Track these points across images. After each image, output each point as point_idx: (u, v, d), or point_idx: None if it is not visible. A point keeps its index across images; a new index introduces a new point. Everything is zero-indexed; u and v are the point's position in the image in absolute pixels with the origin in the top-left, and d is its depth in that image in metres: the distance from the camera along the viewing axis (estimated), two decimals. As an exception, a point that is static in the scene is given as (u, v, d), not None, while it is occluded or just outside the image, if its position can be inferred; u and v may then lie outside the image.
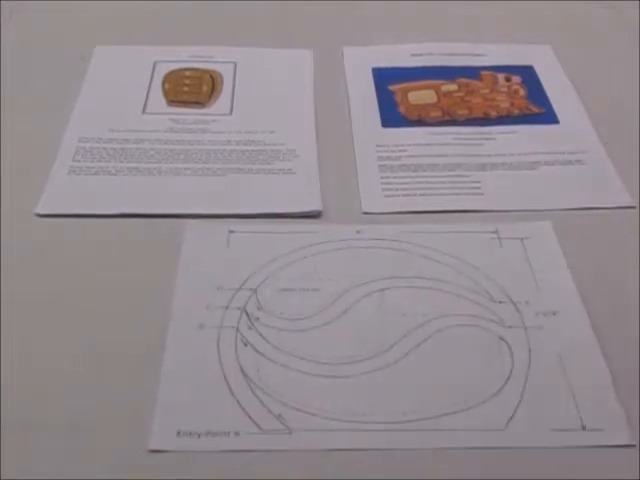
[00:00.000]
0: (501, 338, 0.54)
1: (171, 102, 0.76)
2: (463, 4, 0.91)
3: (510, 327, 0.55)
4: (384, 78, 0.80)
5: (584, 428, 0.49)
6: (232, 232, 0.62)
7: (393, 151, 0.71)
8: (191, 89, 0.78)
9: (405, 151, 0.71)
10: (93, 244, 0.61)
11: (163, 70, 0.80)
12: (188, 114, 0.74)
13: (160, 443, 0.48)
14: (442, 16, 0.89)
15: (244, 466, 0.47)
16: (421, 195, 0.66)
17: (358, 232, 0.62)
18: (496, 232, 0.62)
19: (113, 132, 0.71)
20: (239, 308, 0.56)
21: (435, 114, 0.75)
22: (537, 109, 0.76)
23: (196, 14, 0.88)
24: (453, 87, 0.79)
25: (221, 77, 0.79)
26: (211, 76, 0.79)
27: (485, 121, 0.74)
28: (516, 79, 0.80)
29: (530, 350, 0.54)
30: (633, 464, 0.47)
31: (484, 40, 0.85)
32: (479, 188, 0.67)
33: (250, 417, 0.49)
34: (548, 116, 0.75)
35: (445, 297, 0.57)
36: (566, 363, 0.53)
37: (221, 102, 0.76)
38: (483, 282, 0.58)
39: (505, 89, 0.79)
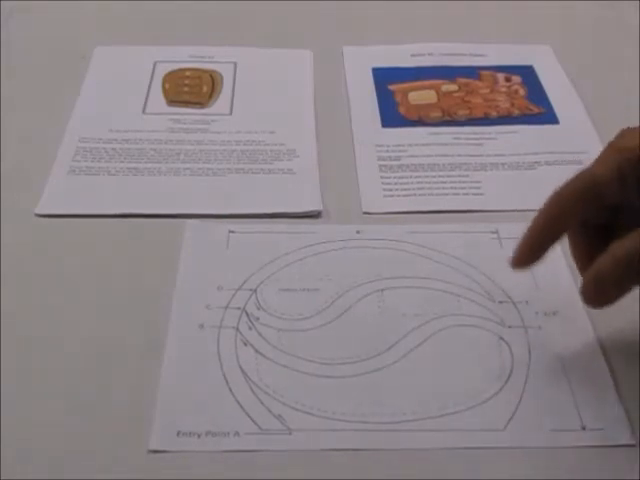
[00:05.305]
0: (501, 338, 0.54)
1: (171, 102, 0.76)
2: (463, 4, 0.91)
3: (510, 327, 0.55)
4: (384, 78, 0.80)
5: (584, 428, 0.49)
6: (232, 232, 0.62)
7: (393, 151, 0.71)
8: (191, 89, 0.78)
9: (405, 151, 0.71)
10: (93, 244, 0.61)
11: (163, 70, 0.80)
12: (188, 114, 0.74)
13: (160, 443, 0.47)
14: (442, 16, 0.89)
15: (244, 466, 0.47)
16: (421, 195, 0.66)
17: (358, 232, 0.62)
18: (496, 232, 0.62)
19: (113, 132, 0.71)
20: (239, 308, 0.56)
21: (435, 114, 0.75)
22: (537, 109, 0.76)
23: (196, 14, 0.88)
24: (453, 87, 0.79)
25: (221, 77, 0.79)
26: (211, 76, 0.79)
27: (485, 121, 0.74)
28: (516, 79, 0.80)
29: (530, 350, 0.54)
30: (633, 464, 0.47)
31: (484, 40, 0.85)
32: (479, 188, 0.67)
33: (250, 417, 0.49)
34: (548, 116, 0.75)
35: (445, 297, 0.57)
36: (566, 363, 0.53)
37: (221, 102, 0.76)
38: (483, 282, 0.58)
39: (505, 89, 0.79)
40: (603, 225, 0.51)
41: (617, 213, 0.50)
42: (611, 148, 0.49)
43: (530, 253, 0.50)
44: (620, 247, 0.47)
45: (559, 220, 0.49)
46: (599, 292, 0.48)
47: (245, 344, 0.53)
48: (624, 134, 0.50)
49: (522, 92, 0.78)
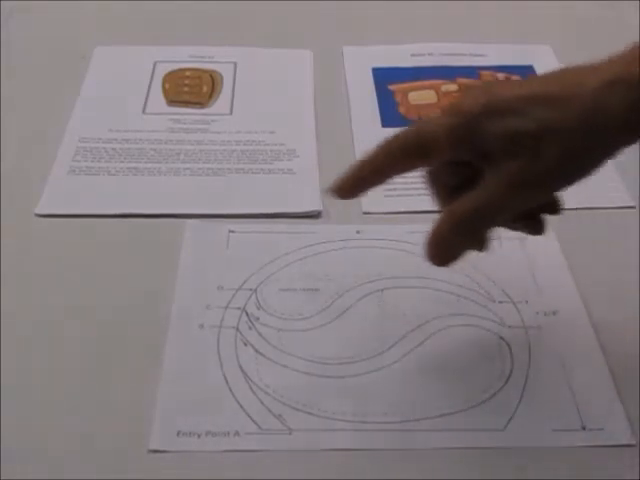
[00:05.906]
0: (501, 338, 0.54)
1: (171, 102, 0.76)
2: (463, 4, 0.91)
3: (510, 327, 0.55)
4: (384, 78, 0.80)
5: (584, 428, 0.49)
6: (232, 232, 0.62)
7: (393, 151, 0.71)
8: (191, 89, 0.78)
9: (405, 151, 0.71)
10: (93, 244, 0.61)
11: (163, 70, 0.80)
12: (188, 114, 0.74)
13: (160, 443, 0.48)
14: (442, 16, 0.89)
15: (244, 466, 0.47)
16: (421, 195, 0.66)
17: (358, 232, 0.62)
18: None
19: (113, 132, 0.71)
20: (239, 308, 0.56)
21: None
22: (537, 109, 0.76)
23: (196, 14, 0.88)
24: (453, 87, 0.79)
25: (221, 77, 0.79)
26: (211, 76, 0.79)
27: (485, 121, 0.74)
28: (516, 79, 0.80)
29: (530, 350, 0.54)
30: (633, 464, 0.47)
31: (484, 40, 0.85)
32: (479, 188, 0.67)
33: (250, 417, 0.49)
34: (548, 116, 0.75)
35: (445, 297, 0.57)
36: (566, 363, 0.53)
37: (221, 102, 0.76)
38: (483, 282, 0.58)
39: (505, 89, 0.78)
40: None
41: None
42: (449, 109, 0.47)
43: (350, 189, 0.49)
44: (458, 207, 0.46)
45: (382, 170, 0.48)
46: (440, 250, 0.47)
47: (245, 344, 0.53)
48: (469, 92, 0.48)
49: (522, 92, 0.78)
